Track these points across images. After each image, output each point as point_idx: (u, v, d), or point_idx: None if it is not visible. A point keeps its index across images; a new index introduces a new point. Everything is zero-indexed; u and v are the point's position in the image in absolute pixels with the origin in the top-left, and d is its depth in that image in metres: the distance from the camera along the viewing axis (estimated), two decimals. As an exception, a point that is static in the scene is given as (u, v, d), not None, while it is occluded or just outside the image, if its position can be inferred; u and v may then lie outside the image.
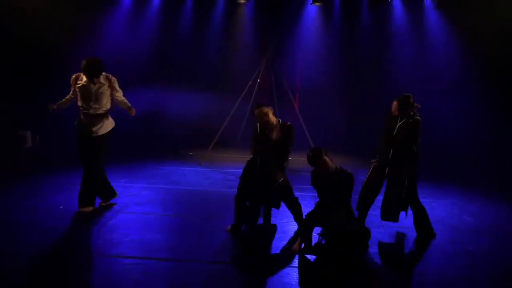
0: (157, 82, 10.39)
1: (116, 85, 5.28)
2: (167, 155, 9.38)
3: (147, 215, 5.38)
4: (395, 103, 4.91)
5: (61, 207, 5.36)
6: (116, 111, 5.41)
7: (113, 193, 5.64)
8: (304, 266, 4.17)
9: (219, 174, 7.95)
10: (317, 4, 10.44)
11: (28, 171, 7.45)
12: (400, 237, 5.08)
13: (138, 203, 5.82)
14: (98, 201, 5.52)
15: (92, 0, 9.66)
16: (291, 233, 4.93)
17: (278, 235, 4.91)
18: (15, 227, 4.73)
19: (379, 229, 5.11)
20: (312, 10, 10.97)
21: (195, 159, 9.10)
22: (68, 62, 7.29)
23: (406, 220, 5.39)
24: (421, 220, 4.97)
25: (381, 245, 4.78)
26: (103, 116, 5.24)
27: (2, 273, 3.70)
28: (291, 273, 3.98)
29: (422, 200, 5.04)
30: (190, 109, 10.14)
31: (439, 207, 6.17)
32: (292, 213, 4.96)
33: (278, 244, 4.68)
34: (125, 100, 5.39)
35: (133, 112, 5.35)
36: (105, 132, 5.27)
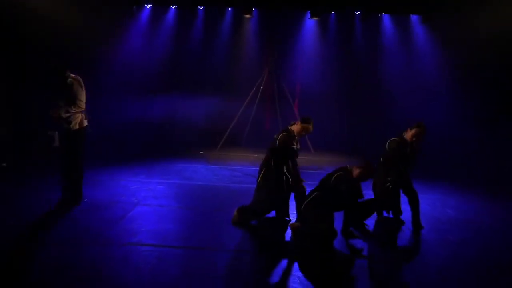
0: (171, 89, 10.50)
1: (72, 87, 5.00)
2: (180, 153, 9.44)
3: (162, 207, 5.45)
4: (414, 131, 5.02)
5: (85, 199, 5.41)
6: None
7: (71, 200, 5.31)
8: (305, 254, 4.23)
9: (226, 171, 8.01)
10: (315, 18, 10.59)
11: (57, 169, 7.51)
12: (385, 228, 5.14)
13: (154, 197, 5.90)
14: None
15: (114, 14, 9.77)
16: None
17: (280, 227, 4.96)
18: (42, 219, 4.80)
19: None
20: (310, 24, 11.07)
21: (205, 157, 9.19)
22: (93, 68, 7.37)
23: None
24: (416, 206, 5.08)
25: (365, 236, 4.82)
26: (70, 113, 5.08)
27: (26, 258, 3.80)
28: (294, 264, 4.02)
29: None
30: (200, 113, 10.24)
31: (423, 201, 6.15)
32: (297, 201, 4.99)
33: (281, 234, 4.74)
34: (73, 104, 5.05)
35: (52, 112, 5.01)
36: (71, 129, 5.10)
